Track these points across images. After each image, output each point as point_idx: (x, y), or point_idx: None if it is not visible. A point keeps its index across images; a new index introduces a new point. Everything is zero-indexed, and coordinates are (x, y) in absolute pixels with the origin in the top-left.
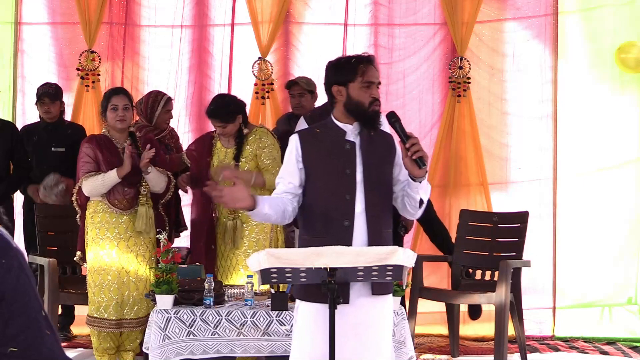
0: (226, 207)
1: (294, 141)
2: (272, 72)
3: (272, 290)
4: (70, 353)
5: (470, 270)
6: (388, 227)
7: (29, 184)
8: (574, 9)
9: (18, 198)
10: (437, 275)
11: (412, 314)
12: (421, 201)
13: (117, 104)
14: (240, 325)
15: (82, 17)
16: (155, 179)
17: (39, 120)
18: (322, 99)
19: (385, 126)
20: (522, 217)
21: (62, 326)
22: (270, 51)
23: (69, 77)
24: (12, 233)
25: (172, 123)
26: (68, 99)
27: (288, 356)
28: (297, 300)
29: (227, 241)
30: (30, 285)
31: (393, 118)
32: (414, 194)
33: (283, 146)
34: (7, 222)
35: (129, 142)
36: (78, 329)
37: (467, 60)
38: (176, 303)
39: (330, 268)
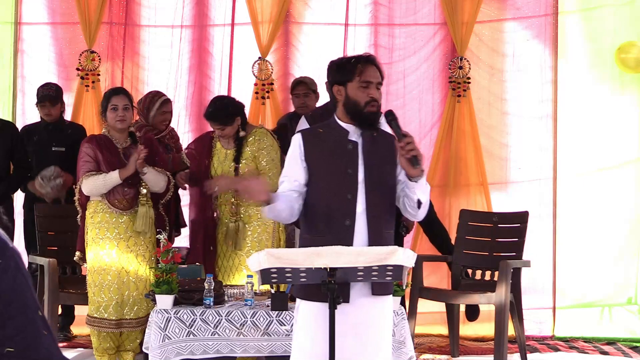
0: (247, 199)
1: (296, 140)
2: (272, 72)
3: (272, 290)
4: (70, 353)
5: (469, 271)
6: (389, 227)
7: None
8: (574, 9)
9: (18, 198)
10: (437, 275)
11: (412, 314)
12: (419, 202)
13: (117, 104)
14: (240, 325)
15: (82, 17)
16: (154, 179)
17: (39, 120)
18: (322, 98)
19: (386, 126)
20: (522, 217)
21: (62, 326)
22: (270, 51)
23: (69, 77)
24: (12, 233)
25: (172, 123)
26: (68, 99)
27: (288, 356)
28: (298, 300)
29: (229, 243)
30: (27, 286)
31: (390, 117)
32: (411, 194)
33: (280, 138)
34: (7, 222)
35: (130, 143)
36: (78, 329)
37: (467, 60)
38: (176, 303)
39: (330, 268)
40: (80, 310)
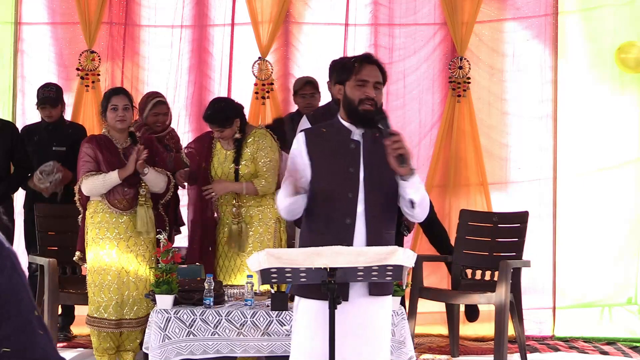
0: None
1: (300, 139)
2: (272, 72)
3: (272, 290)
4: (70, 353)
5: (469, 272)
6: (390, 228)
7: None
8: (574, 9)
9: (18, 198)
10: (437, 275)
11: (412, 314)
12: (412, 201)
13: (117, 104)
14: (240, 325)
15: (82, 17)
16: (154, 180)
17: (40, 120)
18: (324, 98)
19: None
20: (522, 217)
21: (62, 326)
22: (270, 51)
23: (69, 77)
24: (12, 233)
25: (172, 123)
26: (68, 99)
27: (288, 356)
28: (297, 297)
29: (232, 245)
30: (23, 286)
31: (379, 115)
32: (403, 194)
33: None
34: (7, 222)
35: (130, 143)
36: (78, 329)
37: (467, 60)
38: (176, 303)
39: (330, 268)
40: (80, 310)
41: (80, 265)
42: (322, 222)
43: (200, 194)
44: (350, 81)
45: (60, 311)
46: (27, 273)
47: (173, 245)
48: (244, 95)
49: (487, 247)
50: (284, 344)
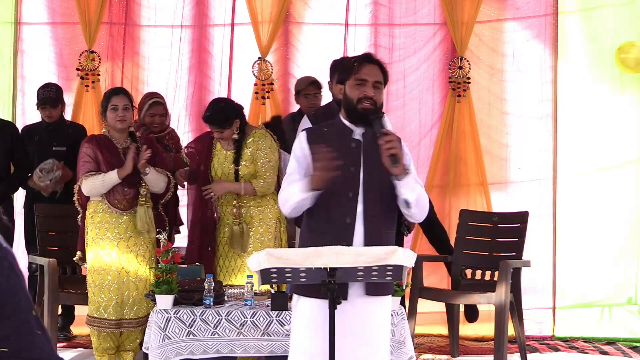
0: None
1: (302, 137)
2: (272, 72)
3: (272, 290)
4: (70, 353)
5: (469, 272)
6: (389, 228)
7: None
8: (574, 9)
9: (18, 198)
10: (437, 275)
11: (412, 314)
12: (407, 202)
13: (117, 104)
14: (240, 325)
15: (82, 17)
16: (155, 180)
17: (40, 120)
18: (325, 99)
19: (388, 125)
20: (522, 217)
21: (62, 326)
22: (270, 51)
23: (69, 77)
24: (12, 233)
25: (172, 123)
26: (68, 99)
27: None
28: (295, 296)
29: (234, 246)
30: (21, 286)
31: (373, 115)
32: (398, 194)
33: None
34: (7, 222)
35: (130, 143)
36: (78, 329)
37: (467, 60)
38: (176, 303)
39: (330, 268)
40: (80, 310)
41: (80, 266)
42: (322, 221)
43: (200, 194)
44: (350, 80)
45: (60, 311)
46: (27, 273)
47: (173, 245)
48: (244, 95)
49: (487, 247)
50: (284, 344)
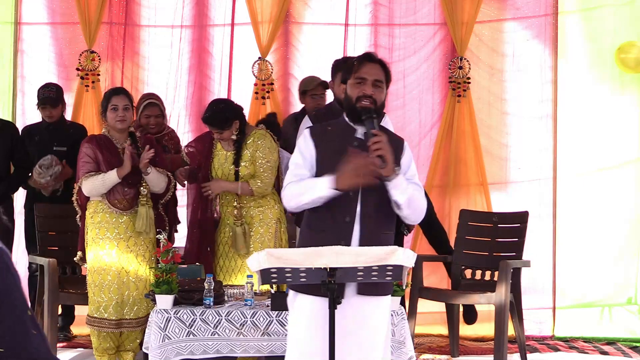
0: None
1: (305, 135)
2: (272, 72)
3: (272, 290)
4: (70, 353)
5: (468, 272)
6: (388, 228)
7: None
8: (574, 9)
9: (18, 198)
10: (437, 275)
11: (412, 314)
12: (397, 203)
13: (117, 104)
14: (240, 325)
15: (82, 17)
16: (155, 180)
17: (40, 120)
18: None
19: (389, 125)
20: (522, 217)
21: (62, 326)
22: (270, 51)
23: (69, 77)
24: (12, 233)
25: (172, 123)
26: (68, 99)
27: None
28: (292, 292)
29: (238, 248)
30: (16, 285)
31: (365, 114)
32: (389, 195)
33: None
34: (7, 222)
35: (129, 142)
36: (78, 329)
37: (467, 60)
38: (176, 303)
39: (330, 268)
40: (80, 310)
41: (80, 266)
42: (323, 220)
43: (200, 194)
44: (350, 79)
45: (60, 311)
46: (27, 273)
47: (173, 245)
48: (244, 95)
49: (487, 247)
50: (284, 344)
